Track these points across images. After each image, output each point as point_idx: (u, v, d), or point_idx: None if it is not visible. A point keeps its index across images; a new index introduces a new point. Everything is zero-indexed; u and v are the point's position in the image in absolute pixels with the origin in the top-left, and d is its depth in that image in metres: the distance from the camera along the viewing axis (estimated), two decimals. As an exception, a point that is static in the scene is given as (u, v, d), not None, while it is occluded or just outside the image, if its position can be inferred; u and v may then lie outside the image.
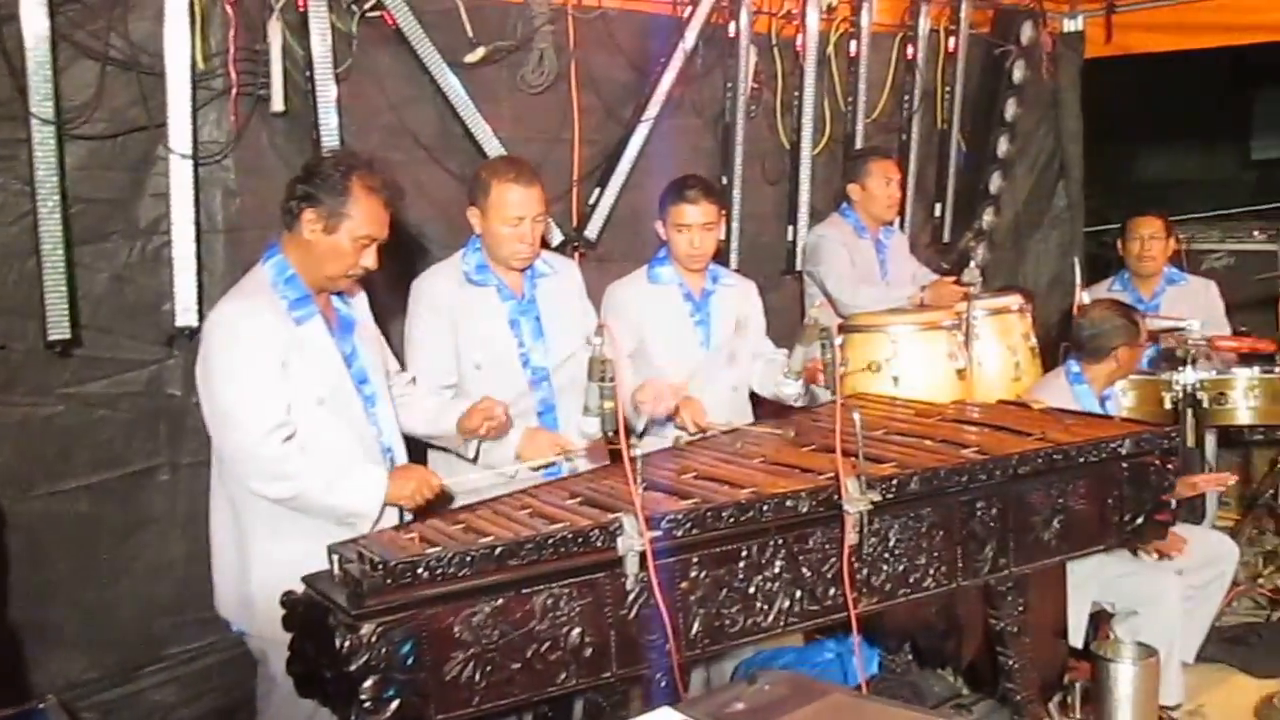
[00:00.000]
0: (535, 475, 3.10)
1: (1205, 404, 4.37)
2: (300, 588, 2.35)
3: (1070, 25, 6.04)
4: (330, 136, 3.56)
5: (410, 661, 2.18)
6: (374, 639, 2.14)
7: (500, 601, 2.27)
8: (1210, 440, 4.87)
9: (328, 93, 3.57)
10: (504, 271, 3.34)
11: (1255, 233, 5.76)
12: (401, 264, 3.49)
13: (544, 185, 3.33)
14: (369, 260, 2.83)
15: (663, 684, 2.49)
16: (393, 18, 3.72)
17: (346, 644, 2.12)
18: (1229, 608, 4.38)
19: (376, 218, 2.81)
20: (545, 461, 3.11)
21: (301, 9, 3.51)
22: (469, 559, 2.23)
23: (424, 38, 3.79)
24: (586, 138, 4.30)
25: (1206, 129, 7.80)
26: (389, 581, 2.16)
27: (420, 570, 2.18)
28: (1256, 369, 4.43)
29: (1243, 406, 4.40)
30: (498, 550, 2.27)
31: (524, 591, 2.30)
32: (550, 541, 2.32)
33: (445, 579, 2.21)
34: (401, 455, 3.02)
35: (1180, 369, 4.32)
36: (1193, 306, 4.80)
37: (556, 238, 4.21)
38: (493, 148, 3.96)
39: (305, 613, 2.33)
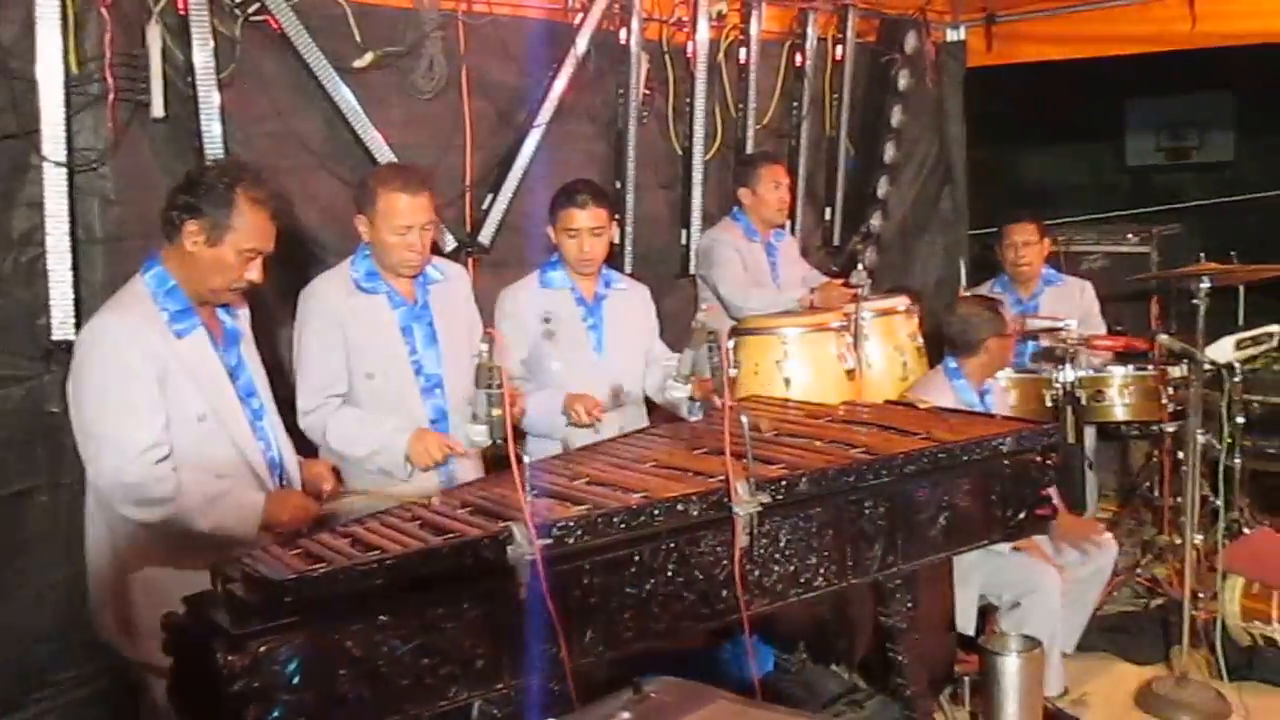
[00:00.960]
0: (427, 487, 3.07)
1: (1084, 401, 4.51)
2: (181, 609, 2.28)
3: (953, 35, 6.19)
4: (214, 144, 3.49)
5: (296, 681, 2.11)
6: (258, 659, 2.07)
7: (388, 616, 2.23)
8: (1090, 436, 5.02)
9: (210, 99, 3.50)
10: (394, 278, 3.31)
11: (1129, 235, 5.96)
12: (292, 272, 3.45)
13: (434, 191, 3.31)
14: (254, 274, 2.77)
15: (556, 692, 2.48)
16: (277, 22, 3.67)
17: (229, 665, 2.05)
18: (1109, 597, 4.54)
19: (262, 230, 2.75)
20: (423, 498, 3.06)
21: (182, 12, 3.44)
22: (356, 574, 2.18)
23: (310, 43, 3.74)
24: (479, 144, 4.29)
25: (1084, 135, 8.02)
26: (273, 599, 2.10)
27: (306, 586, 2.13)
28: (1131, 367, 4.59)
29: (1118, 403, 4.55)
30: (386, 563, 2.22)
31: (413, 605, 2.26)
32: (440, 553, 2.29)
33: (332, 595, 2.15)
34: (293, 467, 2.96)
35: (1059, 367, 4.44)
36: (1070, 306, 4.96)
37: (449, 244, 4.19)
38: (383, 154, 3.92)
39: (186, 635, 2.25)
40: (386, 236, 3.20)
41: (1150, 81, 6.93)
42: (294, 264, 3.52)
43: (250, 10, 3.63)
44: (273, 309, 3.48)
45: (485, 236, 4.34)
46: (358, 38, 3.88)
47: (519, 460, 2.43)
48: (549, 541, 2.39)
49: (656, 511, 2.57)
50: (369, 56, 3.91)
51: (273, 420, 2.94)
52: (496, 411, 2.64)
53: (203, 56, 3.48)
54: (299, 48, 3.73)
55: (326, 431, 3.22)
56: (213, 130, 3.50)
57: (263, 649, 2.08)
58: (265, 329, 3.18)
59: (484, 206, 4.34)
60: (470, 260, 4.29)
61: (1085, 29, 5.67)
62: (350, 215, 3.37)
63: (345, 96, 3.86)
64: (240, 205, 2.70)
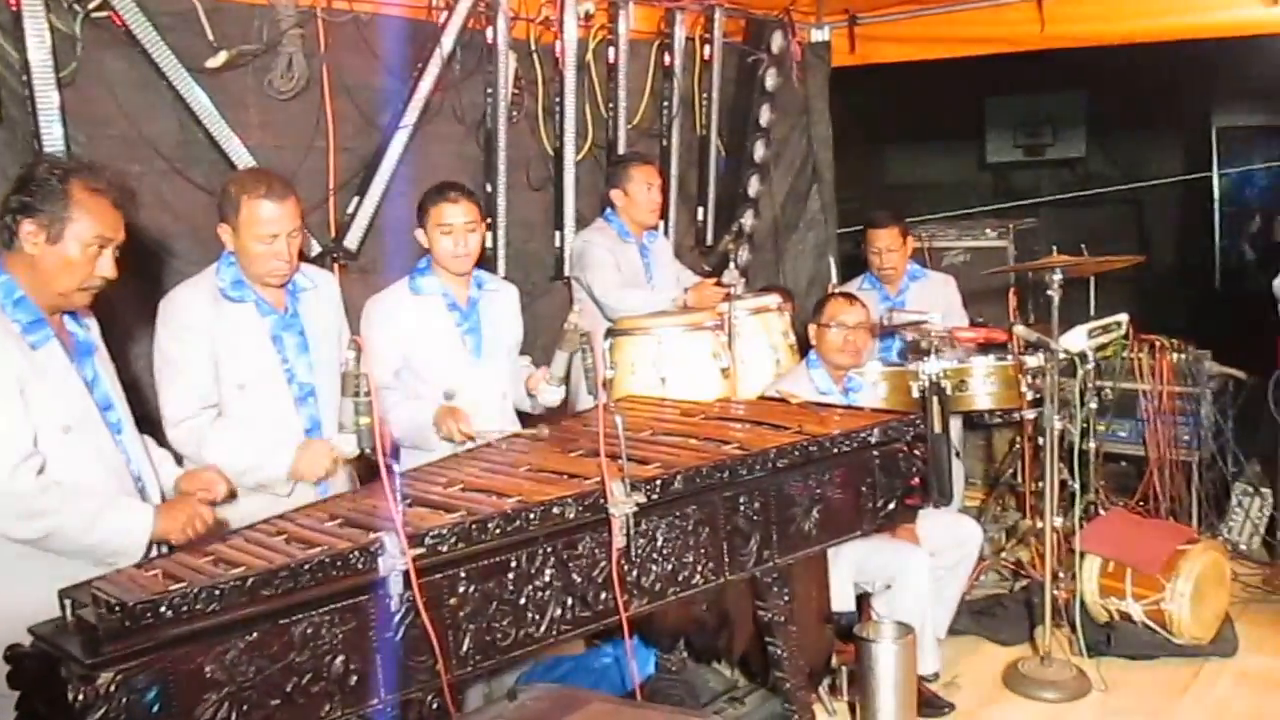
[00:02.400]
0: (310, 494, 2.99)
1: (949, 391, 4.61)
2: (28, 639, 2.17)
3: (818, 35, 6.26)
4: (55, 146, 3.35)
5: (156, 709, 2.03)
6: (113, 688, 1.98)
7: (255, 635, 2.16)
8: (955, 426, 5.15)
9: (49, 99, 3.34)
10: (260, 287, 3.19)
11: (988, 230, 6.14)
12: (146, 281, 3.32)
13: (299, 196, 3.20)
14: (106, 268, 2.63)
15: (434, 705, 2.44)
16: (122, 19, 3.51)
17: (81, 697, 1.95)
18: (976, 582, 4.67)
19: (104, 217, 2.60)
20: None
21: (14, 8, 3.27)
22: (218, 593, 2.10)
23: (159, 41, 3.60)
24: (342, 145, 4.18)
25: (947, 134, 8.28)
26: (128, 624, 2.00)
27: (164, 609, 2.04)
28: (992, 357, 4.71)
29: (981, 393, 4.67)
30: (250, 581, 2.15)
31: (281, 622, 2.19)
32: (307, 567, 2.22)
33: (193, 616, 2.07)
34: (152, 484, 2.83)
35: (925, 360, 4.54)
36: (934, 301, 5.07)
37: (314, 249, 4.08)
38: (241, 157, 3.81)
39: (34, 667, 2.13)
40: (251, 245, 3.08)
41: (1008, 82, 7.18)
42: (147, 274, 3.39)
43: (91, 6, 3.46)
44: (126, 322, 3.33)
45: (351, 242, 4.24)
46: (210, 36, 3.75)
47: (389, 469, 2.39)
48: (421, 551, 2.36)
49: (532, 516, 2.56)
50: (223, 55, 3.78)
51: (131, 435, 2.82)
52: (365, 420, 2.59)
53: (39, 55, 3.32)
54: (146, 46, 3.59)
55: (203, 444, 3.08)
56: (53, 132, 3.35)
57: (118, 678, 1.99)
58: (119, 343, 3.04)
59: (349, 211, 4.24)
60: (336, 266, 4.18)
61: (942, 31, 5.82)
62: (204, 222, 3.26)
63: (198, 97, 3.73)
64: (76, 195, 2.56)
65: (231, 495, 2.88)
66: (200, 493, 2.80)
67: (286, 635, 2.20)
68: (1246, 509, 5.18)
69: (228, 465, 2.99)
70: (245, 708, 2.15)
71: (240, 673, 2.14)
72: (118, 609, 2.01)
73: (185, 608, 2.07)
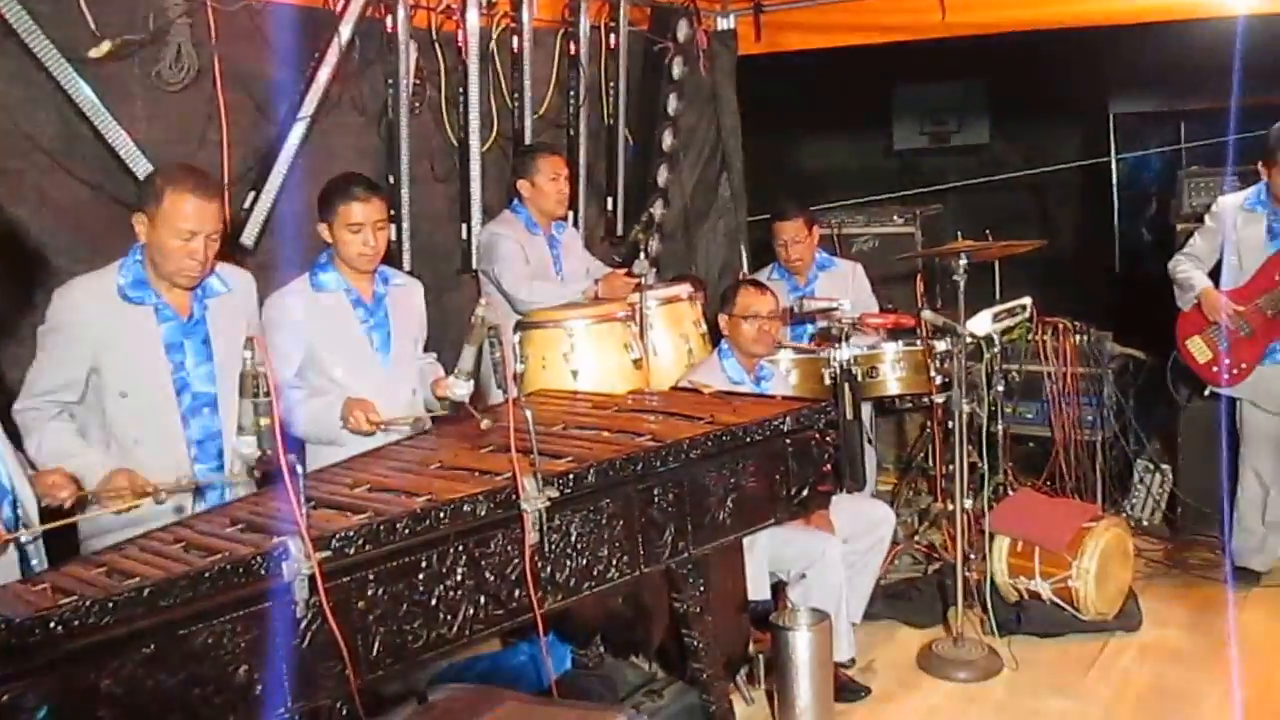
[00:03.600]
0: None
1: (860, 378, 4.65)
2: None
3: (723, 23, 6.26)
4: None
5: (48, 729, 1.94)
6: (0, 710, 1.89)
7: (153, 648, 2.07)
8: (867, 411, 5.19)
9: (-80, 93, 3.18)
10: (167, 289, 3.06)
11: (895, 217, 6.19)
12: (23, 282, 3.16)
13: (225, 201, 3.12)
14: None
15: (343, 712, 2.37)
16: (-5, 8, 3.35)
17: (-32, 717, 1.87)
18: (890, 566, 4.71)
19: None
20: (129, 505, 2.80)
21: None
22: (112, 605, 2.00)
23: (35, 29, 3.43)
24: (236, 138, 4.04)
25: (854, 122, 8.35)
26: (14, 642, 1.90)
27: (54, 625, 1.93)
28: (901, 343, 4.77)
29: (891, 378, 4.72)
30: (146, 592, 2.05)
31: (180, 633, 2.10)
32: (207, 575, 2.13)
33: (85, 631, 1.97)
34: (23, 490, 2.68)
35: (836, 347, 4.57)
36: (843, 288, 5.12)
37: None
38: (128, 151, 3.65)
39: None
40: (167, 239, 2.96)
41: (914, 70, 7.26)
42: (27, 273, 3.24)
43: (-40, -5, 3.30)
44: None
45: (248, 238, 4.10)
46: (92, 25, 3.58)
47: (292, 470, 2.32)
48: (327, 554, 2.28)
49: (442, 514, 2.50)
50: (106, 45, 3.60)
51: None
52: (265, 421, 2.50)
53: (-96, 45, 3.16)
54: (22, 35, 3.41)
55: (34, 438, 2.94)
56: (-75, 128, 3.19)
57: (5, 698, 1.89)
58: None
59: (245, 205, 4.10)
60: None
61: (845, 19, 5.84)
62: (89, 219, 3.14)
63: (81, 89, 3.57)
64: None
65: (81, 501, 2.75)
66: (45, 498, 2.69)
67: (186, 646, 2.11)
68: (1148, 485, 5.34)
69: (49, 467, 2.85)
70: (144, 724, 2.05)
71: (138, 687, 2.05)
72: (2, 627, 1.91)
73: (76, 622, 1.97)
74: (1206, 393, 4.74)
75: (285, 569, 2.22)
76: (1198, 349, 4.66)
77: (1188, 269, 4.67)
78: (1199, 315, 4.63)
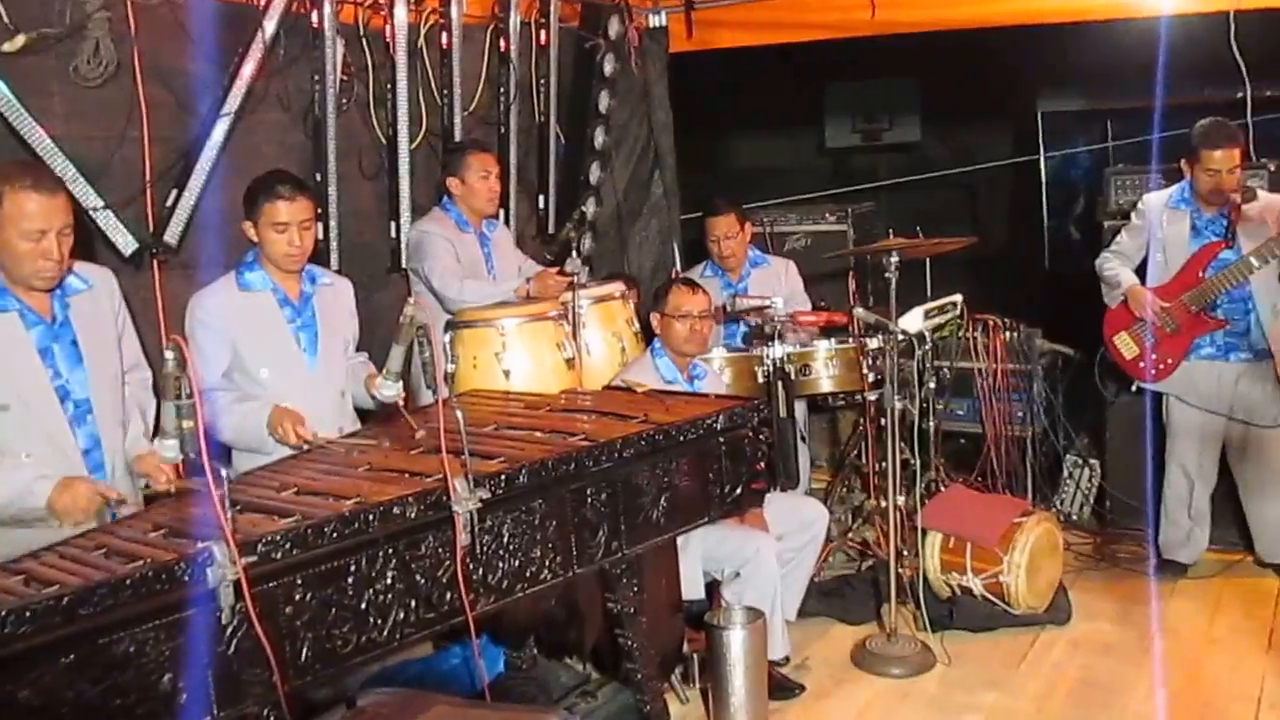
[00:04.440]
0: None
1: (793, 376, 4.67)
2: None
3: (655, 20, 6.23)
4: None
5: (-39, 742, 1.88)
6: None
7: (73, 658, 2.01)
8: (801, 409, 5.21)
9: None
10: (26, 293, 2.90)
11: (828, 215, 6.23)
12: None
13: (69, 193, 3.02)
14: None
15: (270, 719, 2.33)
16: (-99, 1, 3.24)
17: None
18: (824, 563, 4.73)
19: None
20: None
21: None
22: (29, 614, 1.94)
23: (-55, 22, 3.33)
24: (158, 135, 3.94)
25: (787, 120, 8.40)
26: (-74, 653, 1.84)
27: (-34, 635, 1.88)
28: (833, 340, 4.79)
29: (824, 376, 4.74)
30: (66, 600, 2.00)
31: (101, 642, 2.05)
32: (129, 582, 2.08)
33: (4, 641, 1.91)
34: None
35: (769, 345, 4.58)
36: (776, 285, 5.15)
37: (130, 245, 3.86)
38: (45, 147, 3.55)
39: None
40: (16, 243, 2.80)
41: (846, 68, 7.30)
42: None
43: None
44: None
45: (171, 236, 4.00)
46: (5, 18, 3.48)
47: (216, 474, 2.26)
48: (254, 559, 2.24)
49: (371, 517, 2.46)
50: (20, 39, 3.50)
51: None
52: (188, 424, 2.44)
53: None
54: (-69, 27, 3.33)
55: None
56: None
57: (-83, 710, 1.84)
58: None
59: (168, 203, 4.00)
60: (156, 263, 3.96)
61: (777, 16, 5.85)
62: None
63: (-5, 84, 3.47)
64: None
65: None
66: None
67: (108, 655, 2.06)
68: (1077, 480, 5.40)
69: None
70: (63, 735, 2.00)
71: (58, 697, 2.00)
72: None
73: (-7, 632, 1.91)
74: (1134, 388, 4.80)
75: (210, 574, 2.18)
76: (1125, 345, 4.73)
77: (1114, 266, 4.73)
78: (1126, 312, 4.69)
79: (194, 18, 4.05)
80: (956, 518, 4.48)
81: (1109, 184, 5.35)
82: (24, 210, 2.78)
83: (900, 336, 4.17)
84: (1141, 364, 4.69)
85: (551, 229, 5.75)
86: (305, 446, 3.26)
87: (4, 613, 1.93)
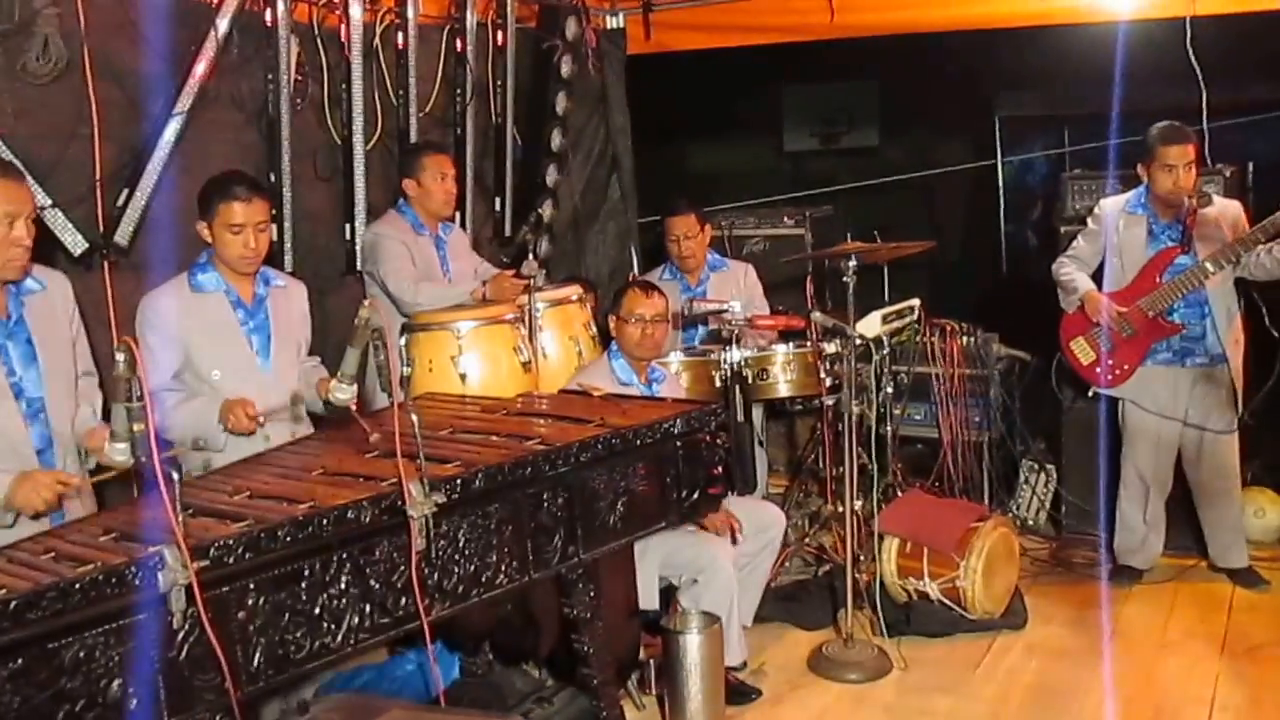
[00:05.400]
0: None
1: (751, 380, 4.67)
2: None
3: (612, 22, 6.23)
4: None
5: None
6: None
7: (20, 663, 1.97)
8: (758, 414, 5.22)
9: None
10: None
11: (786, 219, 6.24)
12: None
13: (24, 177, 2.94)
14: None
15: (222, 726, 2.29)
16: None
17: None
18: (781, 568, 4.73)
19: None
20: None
21: None
22: (-24, 619, 1.91)
23: (-108, 19, 3.27)
24: (109, 134, 3.88)
25: (745, 123, 8.42)
26: None
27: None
28: (791, 345, 4.79)
29: (782, 380, 4.74)
30: (12, 604, 1.96)
31: (49, 647, 2.02)
32: (78, 586, 2.04)
33: (-54, 646, 1.88)
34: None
35: (726, 348, 4.58)
36: (735, 289, 5.14)
37: (79, 246, 3.79)
38: (-8, 146, 3.50)
39: None
40: None
41: (804, 71, 7.33)
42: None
43: None
44: None
45: (122, 236, 3.94)
46: (-49, 14, 3.43)
47: (168, 478, 2.22)
48: (205, 564, 2.20)
49: (325, 521, 2.43)
50: (-34, 35, 3.46)
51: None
52: (139, 426, 2.39)
53: None
54: (-123, 23, 3.26)
55: None
56: None
57: None
58: None
59: (119, 203, 3.94)
60: (106, 263, 3.90)
61: (735, 19, 5.87)
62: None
63: (-59, 81, 3.41)
64: None
65: None
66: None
67: (56, 660, 2.03)
68: (1033, 485, 5.41)
69: None
70: (8, 742, 1.96)
71: (4, 703, 1.96)
72: None
73: (-63, 637, 1.87)
74: (1090, 393, 4.80)
75: (161, 579, 2.15)
76: (1081, 350, 4.74)
77: (1070, 271, 4.73)
78: (1082, 317, 4.70)
79: (145, 15, 3.99)
80: (913, 523, 4.50)
81: (1066, 189, 5.38)
82: None
83: (858, 341, 4.18)
84: (1097, 369, 4.71)
85: (508, 231, 5.72)
86: (259, 426, 3.27)
87: (-51, 617, 1.89)
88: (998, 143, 7.37)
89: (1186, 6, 4.91)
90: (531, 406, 3.58)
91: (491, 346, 4.22)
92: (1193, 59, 4.99)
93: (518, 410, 3.50)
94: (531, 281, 4.33)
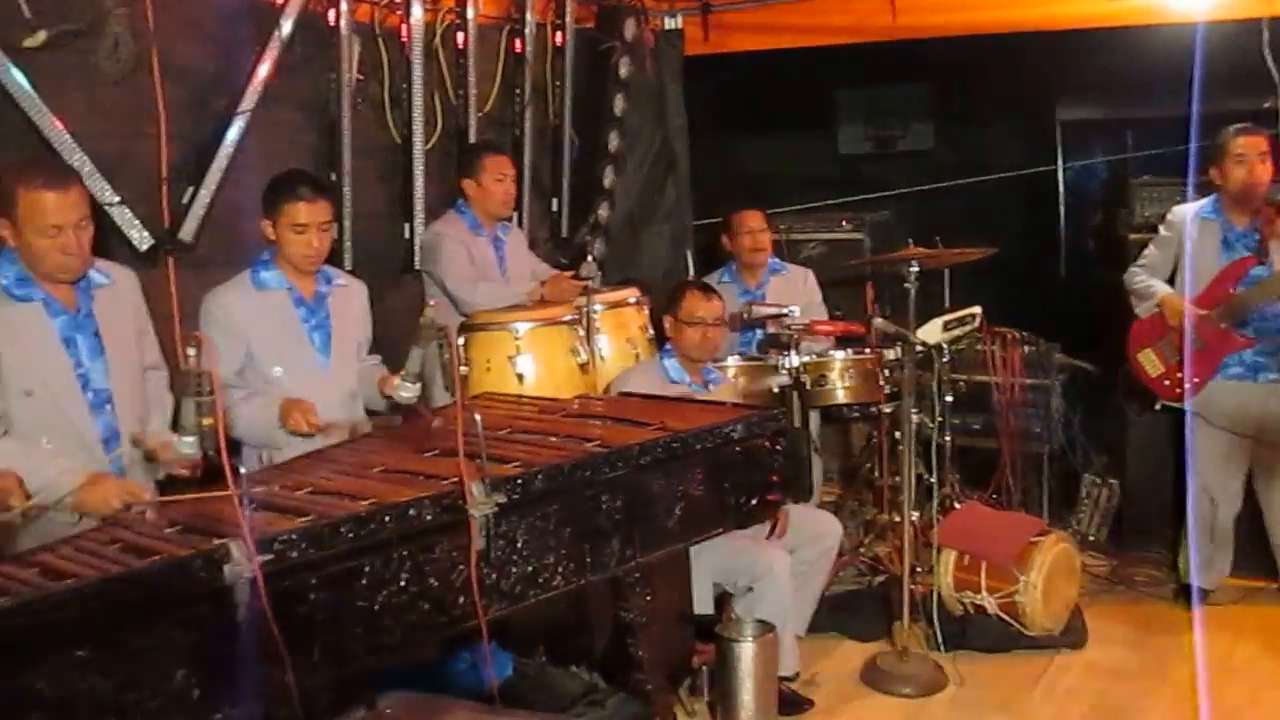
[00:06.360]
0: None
1: (808, 386, 4.62)
2: None
3: (670, 23, 6.21)
4: None
5: (-23, 730, 1.87)
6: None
7: (88, 650, 1.99)
8: (814, 420, 5.17)
9: None
10: (49, 284, 2.93)
11: (843, 223, 6.18)
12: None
13: (83, 184, 2.99)
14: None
15: (282, 718, 2.29)
16: (-72, -4, 3.24)
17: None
18: (836, 578, 4.66)
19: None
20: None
21: None
22: (47, 607, 1.94)
23: (-32, 18, 3.33)
24: (175, 132, 3.93)
25: (797, 125, 8.34)
26: (-53, 640, 1.83)
27: (-15, 623, 1.86)
28: (850, 351, 4.74)
29: (839, 387, 4.68)
30: (82, 592, 1.99)
31: (116, 636, 2.03)
32: (145, 577, 2.08)
33: (20, 632, 1.90)
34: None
35: (785, 354, 4.54)
36: (794, 294, 5.10)
37: (145, 242, 3.84)
38: (63, 143, 3.55)
39: None
40: (35, 241, 2.82)
41: (857, 73, 7.25)
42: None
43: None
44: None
45: (187, 233, 3.99)
46: (27, 14, 3.48)
47: (235, 471, 2.25)
48: (270, 557, 2.22)
49: (387, 518, 2.43)
50: (41, 35, 3.51)
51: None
52: (207, 421, 2.41)
53: None
54: (-44, 23, 3.33)
55: None
56: None
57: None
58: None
59: (184, 200, 3.99)
60: (170, 259, 3.95)
61: (795, 20, 5.81)
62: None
63: (16, 79, 3.46)
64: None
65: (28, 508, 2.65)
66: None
67: (122, 649, 2.05)
68: (1094, 500, 5.27)
69: None
70: (77, 727, 1.98)
71: (71, 689, 1.98)
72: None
73: (10, 622, 1.90)
74: (1158, 406, 4.67)
75: (226, 571, 2.16)
76: (1149, 362, 4.62)
77: (1145, 278, 4.61)
78: (1152, 327, 4.58)
79: (211, 16, 4.07)
80: (971, 535, 4.41)
81: (1135, 195, 5.21)
82: (38, 209, 2.80)
83: (919, 348, 4.12)
84: (1166, 381, 4.57)
85: (564, 233, 5.73)
86: (318, 434, 3.27)
87: (20, 604, 1.94)
88: (1059, 147, 7.23)
89: (1264, 7, 4.72)
90: (589, 408, 3.57)
91: (549, 347, 4.22)
92: (1269, 62, 4.80)
93: (575, 411, 3.49)
94: (590, 283, 4.32)
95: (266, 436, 3.38)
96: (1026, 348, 5.27)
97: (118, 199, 3.75)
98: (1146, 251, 4.69)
